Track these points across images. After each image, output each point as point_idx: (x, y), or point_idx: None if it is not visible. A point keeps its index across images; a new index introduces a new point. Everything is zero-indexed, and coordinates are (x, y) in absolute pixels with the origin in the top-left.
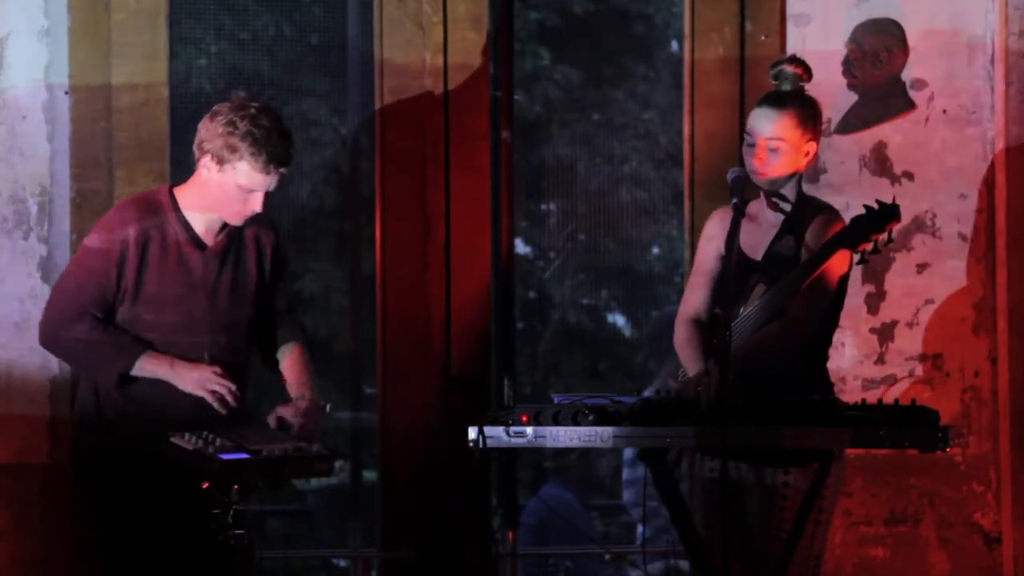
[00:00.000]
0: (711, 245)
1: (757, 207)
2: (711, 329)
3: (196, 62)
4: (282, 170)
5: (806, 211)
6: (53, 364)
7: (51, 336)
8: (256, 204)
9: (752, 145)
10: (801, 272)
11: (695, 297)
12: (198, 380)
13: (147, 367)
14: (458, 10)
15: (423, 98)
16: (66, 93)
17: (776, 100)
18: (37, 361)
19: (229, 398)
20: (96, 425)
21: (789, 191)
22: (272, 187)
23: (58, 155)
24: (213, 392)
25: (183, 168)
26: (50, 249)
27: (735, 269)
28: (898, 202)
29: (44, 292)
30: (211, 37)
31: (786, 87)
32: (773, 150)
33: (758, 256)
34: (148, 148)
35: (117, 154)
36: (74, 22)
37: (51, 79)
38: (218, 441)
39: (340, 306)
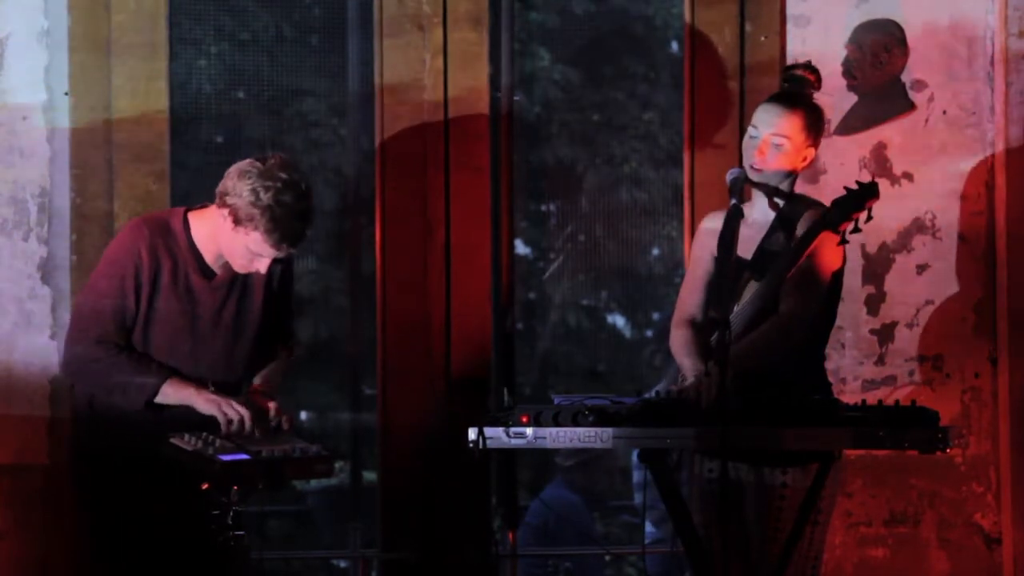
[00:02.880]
0: (704, 248)
1: (748, 209)
2: (708, 330)
3: (196, 62)
4: (292, 249)
5: (796, 209)
6: (53, 364)
7: (74, 366)
8: (261, 266)
9: (755, 138)
10: (788, 258)
11: (690, 300)
12: (218, 404)
13: (171, 393)
14: (458, 10)
15: (423, 99)
16: (66, 93)
17: (786, 99)
18: (37, 361)
19: (238, 425)
20: (91, 426)
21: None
22: (281, 256)
23: (58, 156)
24: (226, 415)
25: (183, 169)
26: (50, 250)
27: (732, 271)
28: (877, 182)
29: (44, 293)
30: (211, 37)
31: (796, 90)
32: (776, 146)
33: (750, 256)
34: (148, 149)
35: (117, 155)
36: (74, 22)
37: (51, 79)
38: (218, 442)
39: (340, 306)
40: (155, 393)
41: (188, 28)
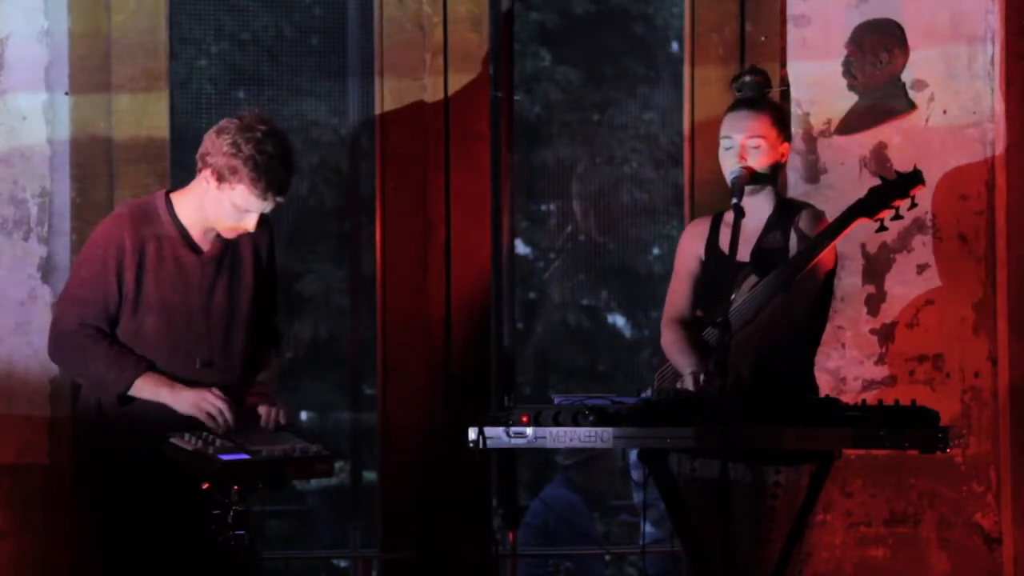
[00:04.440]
0: (690, 250)
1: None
2: (701, 327)
3: (196, 62)
4: (279, 198)
5: (788, 209)
6: (53, 364)
7: (56, 351)
8: (249, 224)
9: (731, 148)
10: (819, 240)
11: (678, 299)
12: (195, 402)
13: (146, 388)
14: (458, 11)
15: (423, 99)
16: (66, 93)
17: (750, 103)
18: (37, 361)
19: (221, 419)
20: (97, 426)
21: (768, 193)
22: (268, 210)
23: (58, 155)
24: (208, 413)
25: (183, 169)
26: (50, 250)
27: (716, 271)
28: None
29: (44, 293)
30: (211, 37)
31: (751, 95)
32: (755, 148)
33: (743, 257)
34: (148, 149)
35: (117, 155)
36: (74, 22)
37: (51, 80)
38: (218, 442)
39: (340, 306)
40: (129, 386)
41: (188, 28)
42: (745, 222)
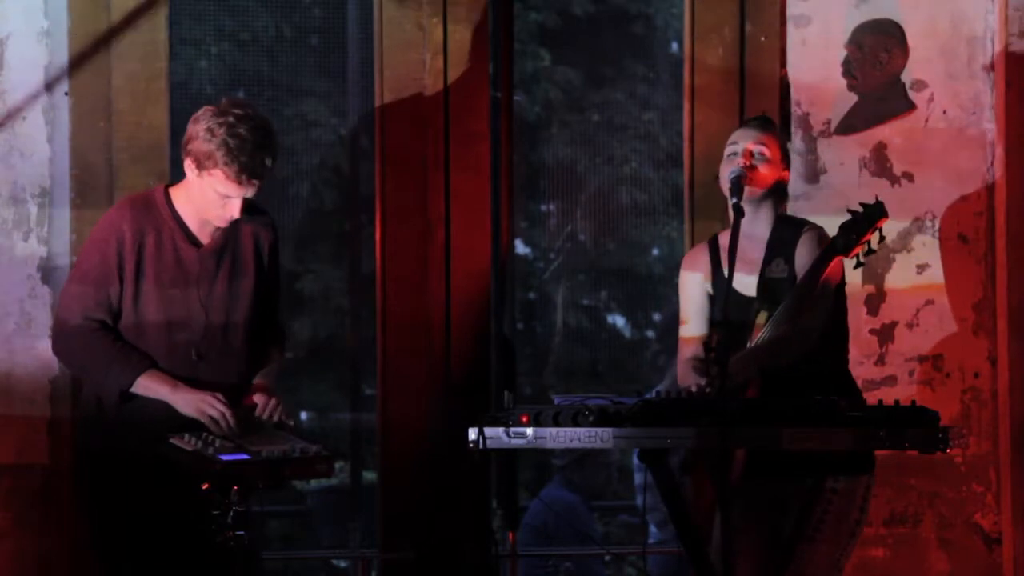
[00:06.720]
0: (695, 285)
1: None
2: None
3: (196, 62)
4: (255, 182)
5: (787, 230)
6: (53, 364)
7: (59, 345)
8: (234, 210)
9: (735, 154)
10: (801, 291)
11: (692, 338)
12: (196, 404)
13: (148, 386)
14: (458, 11)
15: (423, 99)
16: (66, 94)
17: (761, 123)
18: (37, 361)
19: (223, 422)
20: (98, 426)
21: (767, 212)
22: (250, 195)
23: (58, 156)
24: (211, 418)
25: (183, 169)
26: (50, 250)
27: (728, 304)
28: (882, 199)
29: (44, 293)
30: (211, 38)
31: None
32: (760, 154)
33: (749, 291)
34: (148, 149)
35: (117, 155)
36: (74, 23)
37: (51, 80)
38: (218, 442)
39: (340, 306)
40: (131, 383)
41: (188, 28)
42: (747, 247)
